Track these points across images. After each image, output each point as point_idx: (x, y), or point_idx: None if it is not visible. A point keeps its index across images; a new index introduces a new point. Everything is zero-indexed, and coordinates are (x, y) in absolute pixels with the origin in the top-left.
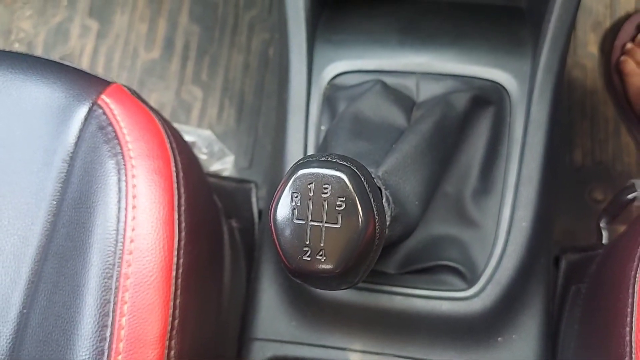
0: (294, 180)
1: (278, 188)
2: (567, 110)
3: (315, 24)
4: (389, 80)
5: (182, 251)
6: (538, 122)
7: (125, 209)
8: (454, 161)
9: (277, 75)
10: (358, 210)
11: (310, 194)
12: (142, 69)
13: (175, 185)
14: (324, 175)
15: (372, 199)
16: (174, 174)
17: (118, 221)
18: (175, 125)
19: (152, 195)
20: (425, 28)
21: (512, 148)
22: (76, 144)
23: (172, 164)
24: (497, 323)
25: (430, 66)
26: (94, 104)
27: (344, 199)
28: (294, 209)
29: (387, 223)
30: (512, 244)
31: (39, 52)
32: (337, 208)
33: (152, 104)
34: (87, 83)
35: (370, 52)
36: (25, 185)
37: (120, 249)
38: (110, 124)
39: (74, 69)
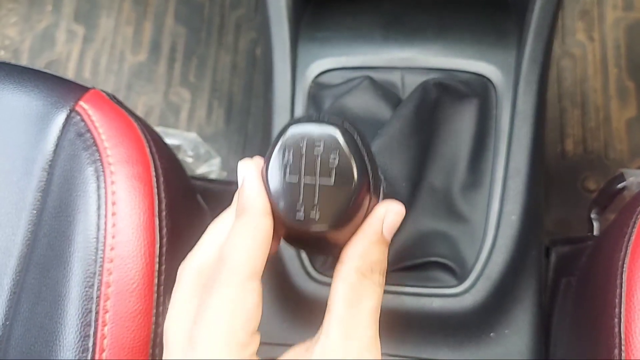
0: (286, 139)
1: (270, 148)
2: (558, 100)
3: (299, 21)
4: (374, 75)
5: (164, 257)
6: (524, 114)
7: (105, 216)
8: (441, 155)
9: (263, 74)
10: (352, 165)
11: (303, 151)
12: (130, 72)
13: (155, 190)
14: (315, 132)
15: (365, 155)
16: (154, 179)
17: (98, 229)
18: (161, 128)
19: (132, 201)
20: (409, 22)
21: (499, 141)
22: (55, 152)
23: (152, 169)
24: (489, 318)
25: (415, 61)
26: (72, 110)
27: (336, 155)
28: (286, 167)
29: (380, 190)
30: (501, 238)
31: (25, 58)
32: (330, 164)
33: (141, 107)
34: (65, 90)
35: (354, 48)
36: (5, 196)
37: (100, 257)
38: (89, 131)
39: (52, 75)
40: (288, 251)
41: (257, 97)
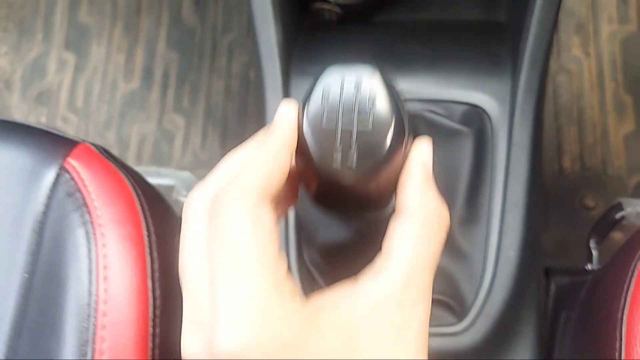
0: (323, 84)
1: (308, 89)
2: (554, 117)
3: (290, 56)
4: None
5: (158, 319)
6: (521, 145)
7: (97, 281)
8: (438, 190)
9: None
10: (389, 108)
11: (341, 96)
12: (122, 100)
13: (147, 250)
14: (353, 75)
15: (401, 105)
16: (146, 238)
17: (90, 294)
18: (154, 168)
19: (123, 264)
20: (401, 53)
21: (495, 173)
22: (44, 213)
23: (144, 228)
24: (489, 355)
25: (409, 92)
26: (62, 168)
27: (375, 100)
28: (323, 113)
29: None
30: (500, 275)
31: (17, 89)
32: (368, 109)
33: (134, 135)
34: (54, 145)
35: None
36: None
37: (93, 324)
38: (79, 190)
39: (40, 130)
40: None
41: (251, 120)
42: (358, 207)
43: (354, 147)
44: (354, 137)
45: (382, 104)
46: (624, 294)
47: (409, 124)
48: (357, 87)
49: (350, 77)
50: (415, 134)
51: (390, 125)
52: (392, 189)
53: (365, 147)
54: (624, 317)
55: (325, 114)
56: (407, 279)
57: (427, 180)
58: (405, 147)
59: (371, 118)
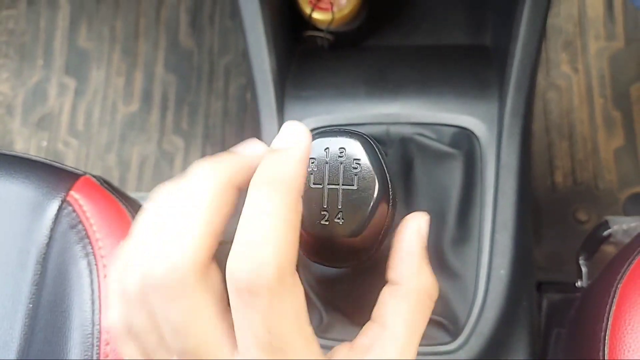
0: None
1: None
2: (545, 132)
3: (284, 82)
4: (360, 130)
5: None
6: (509, 167)
7: (100, 310)
8: (429, 212)
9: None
10: (373, 171)
11: (327, 160)
12: (122, 123)
13: None
14: (338, 143)
15: (384, 163)
16: None
17: (93, 324)
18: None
19: None
20: (392, 78)
21: (485, 194)
22: (48, 245)
23: None
24: None
25: (399, 116)
26: (64, 201)
27: (359, 162)
28: (311, 174)
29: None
30: (492, 294)
31: (18, 113)
32: (353, 171)
33: (135, 157)
34: (57, 178)
35: (338, 106)
36: (1, 289)
37: (97, 353)
38: (81, 222)
39: (43, 164)
40: None
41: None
42: (345, 257)
43: (340, 205)
44: (340, 195)
45: (366, 166)
46: (606, 315)
47: (395, 188)
48: (342, 150)
49: (335, 143)
50: (406, 158)
51: (375, 184)
52: (377, 240)
53: (352, 204)
54: (607, 338)
55: (312, 175)
56: (401, 355)
57: (423, 254)
58: (390, 206)
59: (356, 179)
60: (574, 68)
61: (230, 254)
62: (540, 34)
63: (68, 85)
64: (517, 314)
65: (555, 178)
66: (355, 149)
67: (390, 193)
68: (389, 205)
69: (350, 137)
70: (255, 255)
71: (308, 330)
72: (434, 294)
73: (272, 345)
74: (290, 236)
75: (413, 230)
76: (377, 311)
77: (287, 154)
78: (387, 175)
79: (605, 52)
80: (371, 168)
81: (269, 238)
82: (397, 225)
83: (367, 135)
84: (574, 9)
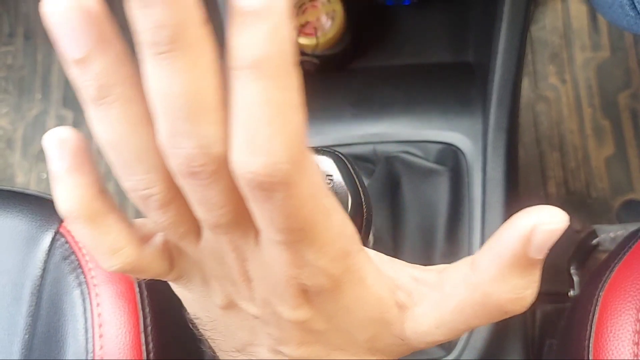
0: None
1: None
2: (536, 144)
3: None
4: (347, 150)
5: None
6: (495, 180)
7: (93, 338)
8: (418, 228)
9: None
10: (344, 187)
11: None
12: None
13: (139, 306)
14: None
15: (357, 180)
16: (138, 295)
17: (87, 352)
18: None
19: (117, 322)
20: (377, 98)
21: (473, 208)
22: (42, 276)
23: (135, 285)
24: None
25: (385, 135)
26: (57, 232)
27: (332, 177)
28: None
29: (372, 226)
30: None
31: (18, 147)
32: (327, 182)
33: None
34: (50, 211)
35: (326, 127)
36: None
37: None
38: (73, 252)
39: (36, 197)
40: None
41: None
42: None
43: None
44: None
45: (338, 180)
46: (589, 323)
47: (370, 210)
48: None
49: None
50: (392, 175)
51: (347, 197)
52: None
53: None
54: (590, 346)
55: None
56: (437, 326)
57: (517, 262)
58: (364, 216)
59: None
60: (561, 79)
61: (233, 145)
62: (519, 50)
63: (66, 117)
64: (510, 327)
65: (548, 188)
66: (327, 166)
67: (364, 207)
68: (363, 219)
69: (323, 154)
70: (266, 151)
71: (326, 201)
72: (511, 310)
73: (291, 228)
74: (296, 118)
75: (520, 233)
76: (444, 270)
77: (268, 19)
78: (360, 190)
79: (591, 62)
80: (343, 184)
81: (277, 129)
82: (371, 241)
83: (339, 153)
84: (558, 22)
